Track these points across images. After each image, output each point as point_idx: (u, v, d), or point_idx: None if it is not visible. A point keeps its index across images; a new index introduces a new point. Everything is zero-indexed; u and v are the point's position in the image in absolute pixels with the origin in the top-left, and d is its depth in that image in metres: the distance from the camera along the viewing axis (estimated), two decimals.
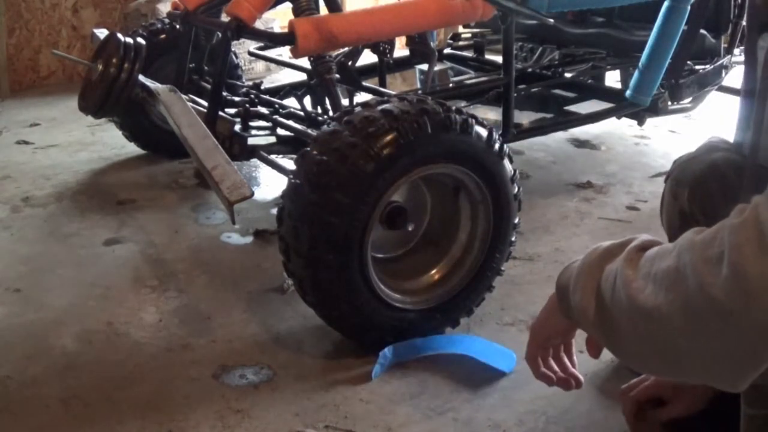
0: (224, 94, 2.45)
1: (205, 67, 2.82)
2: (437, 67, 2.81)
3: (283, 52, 3.45)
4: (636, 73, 2.58)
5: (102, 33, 2.66)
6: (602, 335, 0.88)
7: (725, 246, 0.71)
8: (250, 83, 2.81)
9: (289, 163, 1.99)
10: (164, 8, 4.12)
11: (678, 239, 0.79)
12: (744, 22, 1.12)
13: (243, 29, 2.18)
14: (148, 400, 1.62)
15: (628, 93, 2.63)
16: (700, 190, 1.10)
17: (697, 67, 2.75)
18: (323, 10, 2.28)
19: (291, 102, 2.60)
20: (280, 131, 2.38)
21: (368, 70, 2.86)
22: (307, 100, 2.54)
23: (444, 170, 1.75)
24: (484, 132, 1.76)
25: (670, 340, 0.77)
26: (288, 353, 1.79)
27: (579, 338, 1.83)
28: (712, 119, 3.53)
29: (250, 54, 3.21)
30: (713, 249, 0.73)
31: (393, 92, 2.33)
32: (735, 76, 2.77)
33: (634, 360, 0.88)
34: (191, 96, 2.54)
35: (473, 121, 1.74)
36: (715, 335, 0.73)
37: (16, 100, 4.26)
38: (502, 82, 2.41)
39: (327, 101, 2.29)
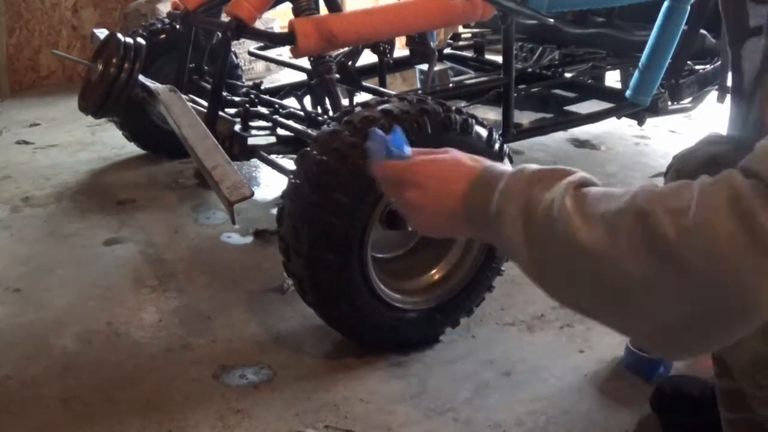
0: (224, 94, 2.45)
1: (205, 67, 2.82)
2: (437, 67, 2.81)
3: (283, 52, 3.45)
4: (636, 73, 2.58)
5: (102, 33, 2.66)
6: (532, 268, 0.81)
7: (692, 201, 0.67)
8: (250, 83, 2.81)
9: (289, 163, 1.99)
10: (164, 8, 4.12)
11: (631, 190, 0.73)
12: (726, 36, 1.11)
13: (243, 29, 2.18)
14: (148, 400, 1.62)
15: (628, 93, 2.62)
16: None
17: (697, 67, 2.75)
18: (323, 10, 2.28)
19: (291, 102, 2.60)
20: (280, 131, 2.38)
21: (368, 70, 2.86)
22: (307, 100, 2.54)
23: None
24: (484, 132, 1.76)
25: (612, 286, 0.71)
26: (288, 353, 1.79)
27: (579, 340, 1.84)
28: (712, 119, 3.53)
29: (250, 54, 3.21)
30: (678, 201, 0.68)
31: (393, 92, 2.33)
32: None
33: (563, 297, 0.80)
34: (191, 96, 2.54)
35: (473, 121, 1.74)
36: (668, 288, 0.68)
37: (16, 100, 4.26)
38: (502, 82, 2.41)
39: (327, 101, 2.29)
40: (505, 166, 0.87)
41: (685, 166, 1.15)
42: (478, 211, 0.84)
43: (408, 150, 0.93)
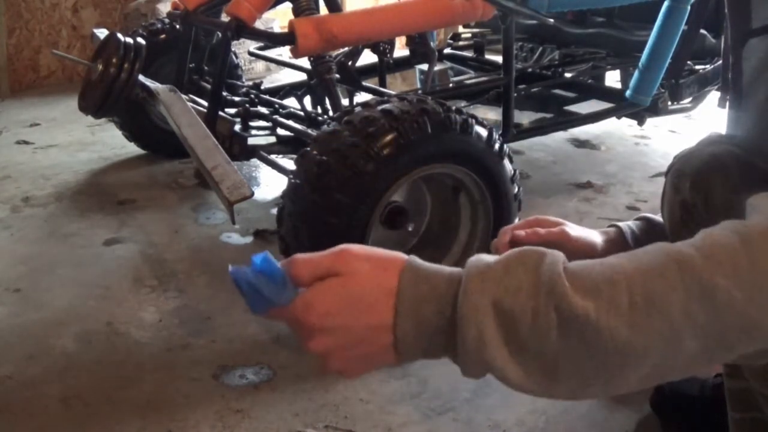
0: (224, 94, 2.45)
1: (205, 67, 2.82)
2: (437, 67, 2.81)
3: (283, 52, 3.45)
4: (636, 73, 2.58)
5: (102, 33, 2.66)
6: (532, 382, 0.66)
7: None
8: (250, 83, 2.81)
9: (289, 163, 1.99)
10: (164, 8, 4.12)
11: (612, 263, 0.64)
12: (726, 39, 1.10)
13: (243, 29, 2.18)
14: (148, 400, 1.62)
15: (628, 93, 2.62)
16: (701, 180, 1.09)
17: (697, 67, 2.75)
18: (323, 10, 2.28)
19: (291, 102, 2.60)
20: (280, 131, 2.38)
21: (368, 70, 2.86)
22: (307, 100, 2.54)
23: (444, 170, 1.75)
24: (484, 132, 1.76)
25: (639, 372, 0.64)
26: (288, 353, 1.79)
27: None
28: (712, 119, 3.53)
29: (250, 54, 3.21)
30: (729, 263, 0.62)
31: (393, 92, 2.33)
32: None
33: (573, 391, 0.67)
34: (191, 96, 2.54)
35: (473, 121, 1.74)
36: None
37: (16, 100, 4.27)
38: (502, 82, 2.41)
39: (327, 101, 2.29)
40: (429, 267, 0.67)
41: (686, 167, 1.14)
42: (424, 334, 0.66)
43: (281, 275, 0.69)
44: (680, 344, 0.62)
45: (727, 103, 1.09)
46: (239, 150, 2.24)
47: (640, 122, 2.82)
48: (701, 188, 1.08)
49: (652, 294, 0.62)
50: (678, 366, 0.64)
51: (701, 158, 1.13)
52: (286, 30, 2.10)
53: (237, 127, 2.28)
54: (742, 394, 1.06)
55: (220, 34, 2.53)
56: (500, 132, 2.25)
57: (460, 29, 3.42)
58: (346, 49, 2.44)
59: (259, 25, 2.56)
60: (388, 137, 1.61)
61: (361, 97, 2.45)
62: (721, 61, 2.71)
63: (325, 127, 1.74)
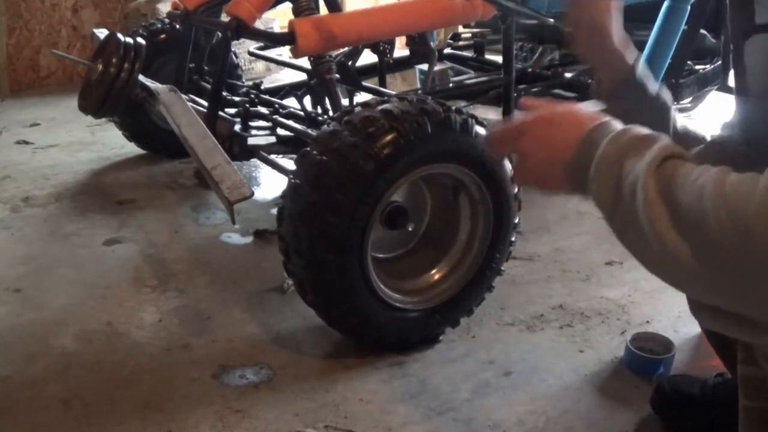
0: (224, 94, 2.45)
1: (205, 67, 2.82)
2: (437, 67, 2.82)
3: (283, 52, 3.45)
4: None
5: (102, 33, 2.66)
6: (615, 231, 0.87)
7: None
8: (250, 83, 2.81)
9: (289, 163, 1.99)
10: (164, 8, 4.12)
11: (704, 173, 0.78)
12: (729, 33, 1.10)
13: (243, 29, 2.18)
14: (148, 400, 1.62)
15: None
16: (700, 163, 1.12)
17: (697, 67, 2.75)
18: (323, 10, 2.28)
19: (291, 102, 2.60)
20: (280, 131, 2.38)
21: (368, 70, 2.86)
22: (307, 100, 2.54)
23: (444, 170, 1.75)
24: (484, 132, 1.75)
25: (683, 269, 0.77)
26: (288, 353, 1.79)
27: (579, 340, 1.84)
28: (712, 119, 3.52)
29: (250, 54, 3.21)
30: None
31: (393, 92, 2.33)
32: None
33: (640, 259, 0.85)
34: (191, 96, 2.54)
35: (473, 121, 1.74)
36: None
37: (16, 100, 4.27)
38: (502, 82, 2.41)
39: (327, 101, 2.29)
40: (612, 125, 0.90)
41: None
42: (577, 174, 0.90)
43: None
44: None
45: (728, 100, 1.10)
46: (239, 150, 2.24)
47: None
48: None
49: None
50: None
51: (699, 143, 1.13)
52: (286, 30, 2.10)
53: (237, 127, 2.28)
54: (755, 382, 1.06)
55: (220, 34, 2.53)
56: None
57: (460, 29, 3.42)
58: (346, 49, 2.44)
59: (259, 25, 2.56)
60: (388, 137, 1.61)
61: (361, 97, 2.45)
62: (721, 62, 2.72)
63: (325, 127, 1.74)
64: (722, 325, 0.91)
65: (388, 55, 2.53)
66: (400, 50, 2.83)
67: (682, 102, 2.74)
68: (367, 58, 2.71)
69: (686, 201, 0.77)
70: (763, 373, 1.00)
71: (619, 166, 0.84)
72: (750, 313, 0.80)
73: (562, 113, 0.95)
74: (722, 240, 0.72)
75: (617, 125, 0.89)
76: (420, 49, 2.51)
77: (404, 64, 2.97)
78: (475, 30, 3.36)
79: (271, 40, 2.66)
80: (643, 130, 0.87)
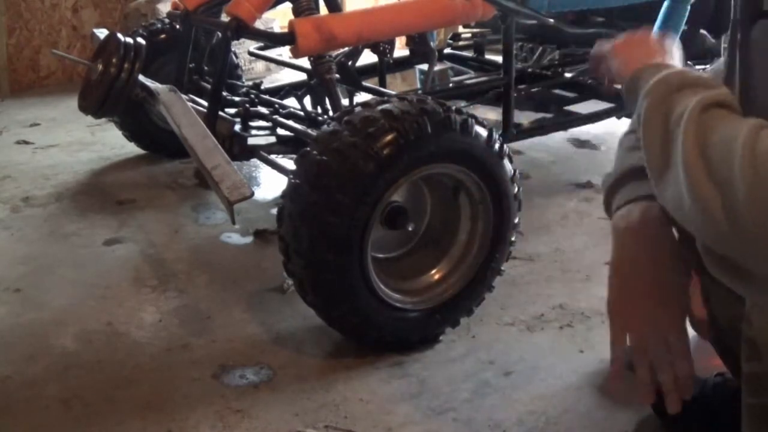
0: (224, 94, 2.45)
1: (205, 67, 2.81)
2: (437, 67, 2.81)
3: (283, 52, 3.45)
4: None
5: (102, 33, 2.66)
6: (651, 166, 0.93)
7: None
8: (250, 83, 2.81)
9: (289, 163, 1.99)
10: (164, 8, 4.11)
11: (742, 129, 0.81)
12: (735, 15, 1.10)
13: (243, 29, 2.18)
14: (148, 400, 1.62)
15: None
16: None
17: (697, 67, 2.75)
18: (323, 10, 2.28)
19: (291, 102, 2.60)
20: (280, 131, 2.38)
21: (368, 70, 2.86)
22: (307, 100, 2.54)
23: (444, 170, 1.75)
24: (484, 132, 1.75)
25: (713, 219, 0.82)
26: (288, 353, 1.79)
27: (579, 340, 1.84)
28: None
29: (250, 54, 3.20)
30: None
31: (393, 92, 2.33)
32: None
33: (667, 203, 0.91)
34: (191, 96, 2.54)
35: (473, 121, 1.74)
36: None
37: (16, 100, 4.27)
38: (502, 82, 2.41)
39: (327, 101, 2.29)
40: (670, 63, 1.05)
41: None
42: (632, 96, 1.02)
43: None
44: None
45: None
46: (239, 150, 2.24)
47: None
48: None
49: None
50: None
51: None
52: (286, 30, 2.10)
53: (237, 127, 2.28)
54: (759, 380, 1.06)
55: (220, 34, 2.53)
56: (500, 132, 2.25)
57: (460, 29, 3.42)
58: (346, 49, 2.44)
59: (259, 25, 2.56)
60: (388, 137, 1.61)
61: (361, 97, 2.45)
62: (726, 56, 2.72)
63: (325, 127, 1.74)
64: (736, 283, 0.93)
65: (388, 55, 2.53)
66: (400, 50, 2.83)
67: None
68: (367, 58, 2.71)
69: (718, 159, 0.80)
70: (766, 369, 1.00)
71: (666, 101, 0.91)
72: None
73: (638, 39, 1.15)
74: (749, 202, 0.76)
75: (672, 67, 1.01)
76: (420, 49, 2.51)
77: (404, 64, 2.97)
78: (475, 30, 3.35)
79: (271, 40, 2.65)
80: (695, 73, 0.96)
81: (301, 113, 2.42)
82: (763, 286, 0.87)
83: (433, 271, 1.86)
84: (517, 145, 2.90)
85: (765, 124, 0.80)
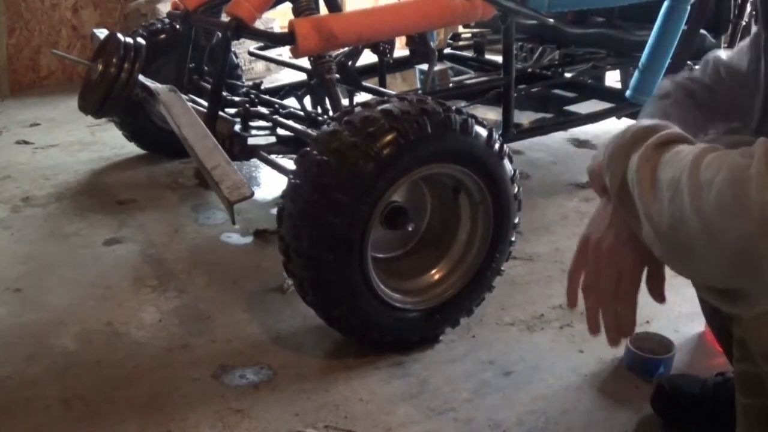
0: (224, 94, 2.45)
1: (205, 67, 2.82)
2: (437, 67, 2.82)
3: (283, 52, 3.45)
4: (636, 73, 2.58)
5: (102, 33, 2.66)
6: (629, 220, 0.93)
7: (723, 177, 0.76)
8: (250, 83, 2.81)
9: (289, 163, 1.99)
10: (164, 8, 4.12)
11: (689, 155, 0.82)
12: (757, 12, 1.09)
13: (243, 29, 2.18)
14: (148, 400, 1.62)
15: (628, 93, 2.63)
16: None
17: (698, 67, 2.74)
18: (323, 10, 2.28)
19: (291, 102, 2.60)
20: (280, 131, 2.38)
21: (368, 70, 2.86)
22: (307, 100, 2.54)
23: (444, 170, 1.75)
24: (484, 132, 1.75)
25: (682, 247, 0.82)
26: (288, 353, 1.79)
27: (579, 340, 1.84)
28: None
29: (250, 54, 3.20)
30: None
31: (393, 92, 2.33)
32: None
33: (651, 245, 0.91)
34: (191, 96, 2.54)
35: (473, 121, 1.74)
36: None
37: (16, 100, 4.27)
38: (502, 82, 2.41)
39: (327, 101, 2.29)
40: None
41: None
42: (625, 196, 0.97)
43: None
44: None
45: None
46: (239, 150, 2.24)
47: None
48: None
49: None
50: None
51: None
52: (286, 30, 2.10)
53: (237, 127, 2.28)
54: (752, 380, 1.06)
55: (220, 34, 2.53)
56: (500, 132, 2.25)
57: (460, 29, 3.42)
58: (346, 49, 2.44)
59: (259, 25, 2.56)
60: (388, 137, 1.61)
61: (361, 97, 2.45)
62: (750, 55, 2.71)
63: (325, 127, 1.74)
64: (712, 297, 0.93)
65: (388, 55, 2.53)
66: (400, 50, 2.83)
67: None
68: (367, 58, 2.71)
69: (668, 177, 0.82)
70: (758, 369, 1.00)
71: (625, 158, 0.91)
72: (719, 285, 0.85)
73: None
74: (692, 222, 0.78)
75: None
76: (420, 49, 2.51)
77: (404, 64, 2.97)
78: (475, 30, 3.36)
79: (271, 40, 2.65)
80: (645, 123, 0.93)
81: (301, 113, 2.42)
82: (751, 302, 0.88)
83: (433, 271, 1.86)
84: (517, 145, 2.90)
85: (710, 147, 0.82)
